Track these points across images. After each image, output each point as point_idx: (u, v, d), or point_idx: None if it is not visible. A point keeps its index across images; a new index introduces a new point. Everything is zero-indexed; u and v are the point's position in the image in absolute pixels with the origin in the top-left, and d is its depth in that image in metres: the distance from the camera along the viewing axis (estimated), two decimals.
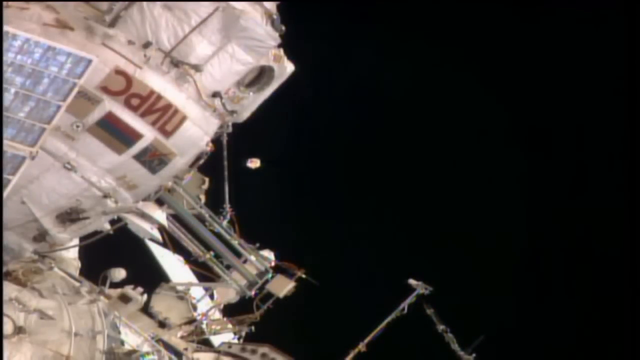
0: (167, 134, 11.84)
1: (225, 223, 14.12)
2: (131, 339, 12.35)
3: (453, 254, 21.68)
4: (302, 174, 21.43)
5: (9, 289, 11.64)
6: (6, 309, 11.24)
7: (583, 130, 23.01)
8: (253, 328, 14.58)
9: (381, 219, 22.09)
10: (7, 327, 11.20)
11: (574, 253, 22.49)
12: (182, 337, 14.14)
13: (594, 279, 22.06)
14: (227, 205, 14.25)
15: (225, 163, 13.76)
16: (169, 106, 11.72)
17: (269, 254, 14.36)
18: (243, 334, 14.67)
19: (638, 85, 21.92)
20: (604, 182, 22.58)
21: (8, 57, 10.35)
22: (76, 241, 12.96)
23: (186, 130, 11.94)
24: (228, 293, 14.53)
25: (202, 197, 14.12)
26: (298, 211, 21.29)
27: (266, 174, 14.34)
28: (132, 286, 12.68)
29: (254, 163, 14.15)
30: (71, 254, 13.52)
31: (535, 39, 22.71)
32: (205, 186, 14.16)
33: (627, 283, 21.73)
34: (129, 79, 11.49)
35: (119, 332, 12.24)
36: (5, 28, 10.29)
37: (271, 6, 12.15)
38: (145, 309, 13.84)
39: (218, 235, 13.91)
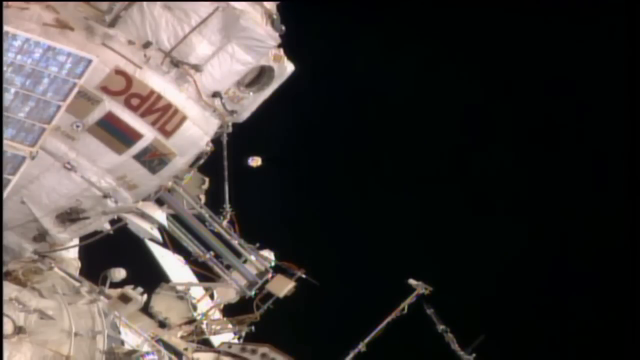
0: (167, 134, 11.84)
1: (225, 223, 14.12)
2: (131, 339, 12.33)
3: (453, 254, 21.69)
4: (302, 174, 21.43)
5: (9, 289, 11.62)
6: (6, 309, 11.22)
7: (584, 130, 23.00)
8: (253, 328, 14.57)
9: (381, 219, 22.07)
10: (7, 327, 11.18)
11: (577, 253, 22.47)
12: (182, 337, 14.13)
13: (598, 278, 22.06)
14: (227, 205, 14.24)
15: (225, 163, 13.76)
16: (169, 106, 11.73)
17: (269, 254, 14.35)
18: (243, 334, 14.65)
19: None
20: (604, 183, 22.57)
21: (8, 57, 10.36)
22: (76, 241, 12.96)
23: (186, 130, 11.94)
24: (228, 293, 14.51)
25: (202, 197, 14.12)
26: (298, 211, 21.28)
27: (266, 174, 14.34)
28: (132, 286, 12.66)
29: (255, 162, 14.16)
30: (71, 254, 13.50)
31: (536, 38, 22.71)
32: (205, 186, 14.16)
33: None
34: (129, 79, 11.50)
35: (119, 332, 12.22)
36: (5, 28, 10.30)
37: (271, 6, 12.16)
38: (145, 309, 13.82)
39: (218, 235, 13.90)
